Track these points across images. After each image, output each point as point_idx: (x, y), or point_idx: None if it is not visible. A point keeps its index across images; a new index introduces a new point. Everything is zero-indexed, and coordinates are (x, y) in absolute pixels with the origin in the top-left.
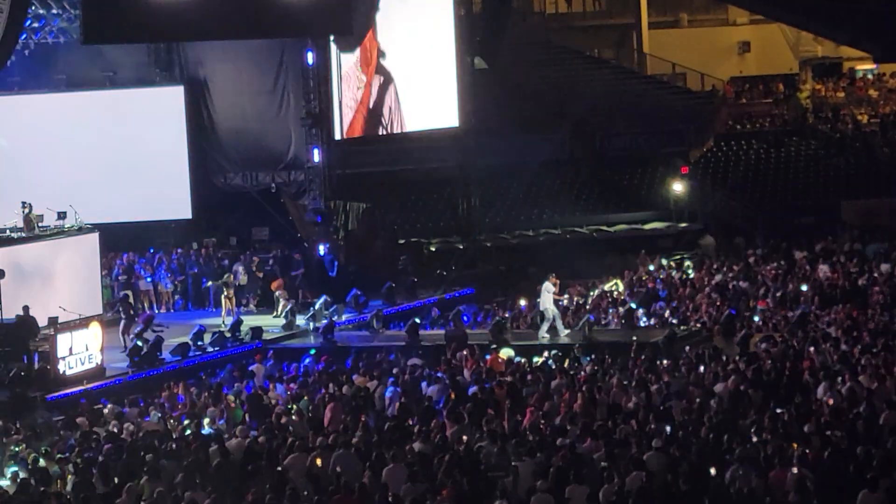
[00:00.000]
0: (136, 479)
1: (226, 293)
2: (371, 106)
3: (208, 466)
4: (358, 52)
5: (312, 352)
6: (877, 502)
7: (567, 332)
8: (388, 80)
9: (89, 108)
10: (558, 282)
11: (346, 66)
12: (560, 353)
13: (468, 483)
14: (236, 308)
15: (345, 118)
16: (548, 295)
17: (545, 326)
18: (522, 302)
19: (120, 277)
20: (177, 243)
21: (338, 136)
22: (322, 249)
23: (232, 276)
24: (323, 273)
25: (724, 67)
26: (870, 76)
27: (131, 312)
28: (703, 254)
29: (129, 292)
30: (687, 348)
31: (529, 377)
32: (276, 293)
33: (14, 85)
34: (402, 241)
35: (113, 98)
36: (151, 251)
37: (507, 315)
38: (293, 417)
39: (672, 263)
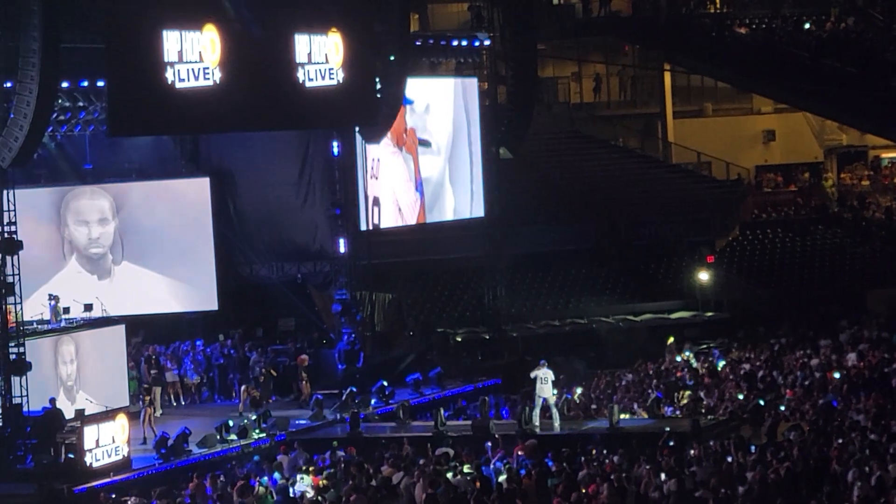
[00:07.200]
0: None
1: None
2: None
3: None
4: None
5: (336, 443)
6: None
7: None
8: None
9: (116, 200)
10: None
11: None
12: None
13: None
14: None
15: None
16: (549, 384)
17: (556, 417)
18: None
19: (152, 371)
20: (203, 335)
21: (363, 227)
22: (348, 340)
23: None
24: (349, 364)
25: (749, 156)
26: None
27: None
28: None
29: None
30: (714, 438)
31: (555, 467)
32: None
33: (40, 178)
34: (428, 332)
35: (139, 189)
36: (178, 343)
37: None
38: None
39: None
